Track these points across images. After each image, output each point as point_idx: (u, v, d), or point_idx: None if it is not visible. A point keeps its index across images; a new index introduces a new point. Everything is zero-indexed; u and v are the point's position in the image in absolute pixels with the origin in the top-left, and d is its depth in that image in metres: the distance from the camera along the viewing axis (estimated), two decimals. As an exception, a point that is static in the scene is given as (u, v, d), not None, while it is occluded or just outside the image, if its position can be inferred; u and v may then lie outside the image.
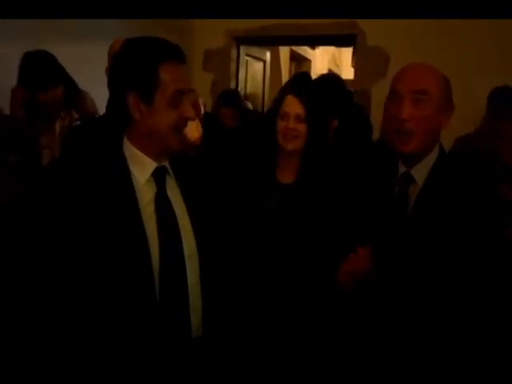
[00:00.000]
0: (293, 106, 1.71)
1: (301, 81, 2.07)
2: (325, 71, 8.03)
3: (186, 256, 1.25)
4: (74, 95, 2.33)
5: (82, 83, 2.43)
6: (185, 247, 1.25)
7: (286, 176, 1.77)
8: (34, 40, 2.33)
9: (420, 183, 1.38)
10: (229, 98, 3.56)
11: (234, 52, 4.61)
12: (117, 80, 1.23)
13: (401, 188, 1.40)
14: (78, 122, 2.27)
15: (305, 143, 1.73)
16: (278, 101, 1.77)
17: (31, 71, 2.16)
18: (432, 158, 1.38)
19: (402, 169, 1.40)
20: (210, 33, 4.45)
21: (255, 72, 5.04)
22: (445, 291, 1.28)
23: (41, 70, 2.15)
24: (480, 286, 1.27)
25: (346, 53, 7.45)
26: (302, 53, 6.72)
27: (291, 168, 1.76)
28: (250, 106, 4.35)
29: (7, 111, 2.33)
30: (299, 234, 1.69)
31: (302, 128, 1.70)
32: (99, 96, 2.16)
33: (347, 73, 7.06)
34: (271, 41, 4.79)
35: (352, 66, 4.52)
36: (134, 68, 1.19)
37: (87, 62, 2.75)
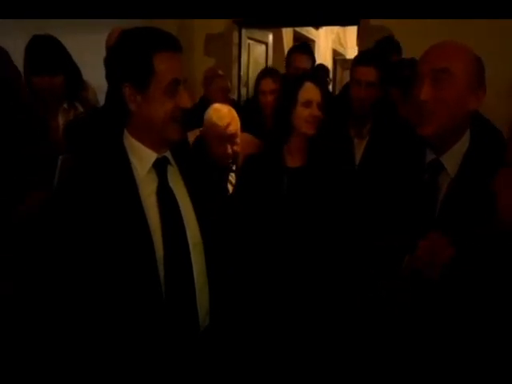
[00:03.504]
0: (315, 94, 1.77)
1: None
2: (329, 51, 7.93)
3: (190, 245, 1.25)
4: (78, 86, 2.27)
5: (88, 73, 2.38)
6: (189, 237, 1.26)
7: (295, 160, 1.81)
8: (39, 27, 2.27)
9: (452, 173, 1.30)
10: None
11: (235, 35, 4.55)
12: (112, 72, 1.23)
13: (430, 176, 1.32)
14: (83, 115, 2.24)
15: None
16: (294, 88, 1.79)
17: (29, 54, 2.12)
18: (463, 145, 1.30)
19: (431, 156, 1.33)
20: (210, 16, 4.39)
21: (258, 55, 4.97)
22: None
23: (39, 54, 2.11)
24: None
25: (351, 32, 7.32)
26: (306, 33, 6.61)
27: (300, 152, 1.81)
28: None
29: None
30: (310, 217, 1.71)
31: (321, 114, 1.78)
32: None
33: (352, 53, 6.96)
34: (273, 22, 4.71)
35: (357, 46, 4.44)
36: (128, 59, 1.19)
37: (93, 50, 2.72)
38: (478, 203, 1.22)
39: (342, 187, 1.72)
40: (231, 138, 2.10)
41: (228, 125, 2.08)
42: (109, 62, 1.25)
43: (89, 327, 1.18)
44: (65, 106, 2.24)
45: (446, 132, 1.28)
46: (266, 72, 2.89)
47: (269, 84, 2.68)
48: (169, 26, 3.58)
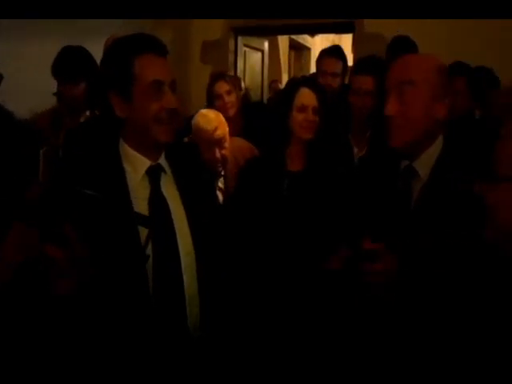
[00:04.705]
0: (310, 99, 1.80)
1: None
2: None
3: (181, 254, 1.23)
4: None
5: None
6: (180, 245, 1.24)
7: (295, 164, 1.83)
8: (66, 38, 2.33)
9: (424, 178, 1.31)
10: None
11: (231, 43, 4.57)
12: (98, 81, 1.23)
13: (403, 182, 1.34)
14: None
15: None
16: (290, 93, 1.83)
17: (55, 63, 2.20)
18: (435, 150, 1.31)
19: (405, 162, 1.35)
20: (207, 24, 4.41)
21: (254, 62, 5.00)
22: (447, 290, 1.22)
23: (63, 63, 2.18)
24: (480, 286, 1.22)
25: (347, 39, 7.36)
26: (301, 41, 6.66)
27: (300, 156, 1.83)
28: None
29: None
30: (310, 220, 1.72)
31: (317, 119, 1.80)
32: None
33: (348, 59, 6.98)
34: (269, 30, 4.74)
35: (352, 53, 4.47)
36: (109, 66, 1.21)
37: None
38: (449, 206, 1.23)
39: (339, 191, 1.73)
40: (219, 142, 2.11)
41: (215, 129, 2.09)
42: (97, 72, 1.26)
43: (78, 338, 1.15)
44: (87, 113, 2.27)
45: (415, 142, 1.29)
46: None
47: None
48: (165, 33, 3.61)
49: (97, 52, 2.17)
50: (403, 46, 2.74)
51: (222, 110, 2.55)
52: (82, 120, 2.25)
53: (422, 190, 1.30)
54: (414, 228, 1.28)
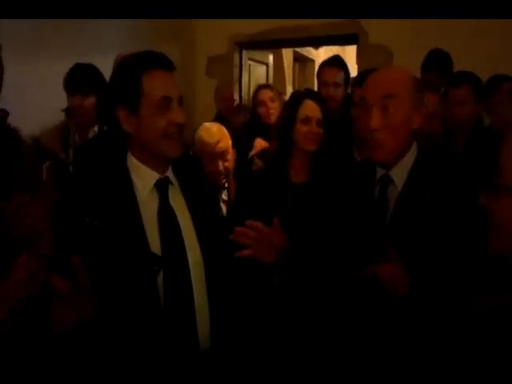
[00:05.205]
0: (314, 111, 1.83)
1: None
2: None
3: (191, 265, 1.25)
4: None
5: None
6: (190, 256, 1.25)
7: (299, 175, 1.85)
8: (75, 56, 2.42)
9: (399, 185, 1.35)
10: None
11: (236, 57, 4.63)
12: (107, 96, 1.26)
13: (380, 190, 1.38)
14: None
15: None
16: (294, 105, 1.86)
17: (67, 76, 2.26)
18: (410, 158, 1.36)
19: (381, 172, 1.39)
20: (212, 39, 4.47)
21: (258, 76, 5.04)
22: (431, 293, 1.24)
23: (74, 75, 2.24)
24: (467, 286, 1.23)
25: (351, 51, 7.40)
26: (306, 53, 6.70)
27: (303, 168, 1.85)
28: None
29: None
30: (311, 231, 1.69)
31: (321, 131, 1.83)
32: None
33: (352, 71, 7.01)
34: (274, 44, 4.79)
35: (356, 64, 4.49)
36: (118, 82, 1.23)
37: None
38: (424, 213, 1.27)
39: (338, 204, 1.72)
40: (222, 155, 2.14)
41: (218, 142, 2.12)
42: (106, 87, 1.29)
43: (88, 349, 1.15)
44: (95, 129, 2.30)
45: (396, 153, 1.34)
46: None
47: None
48: (171, 49, 3.65)
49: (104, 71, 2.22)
50: (439, 58, 2.81)
51: (264, 116, 2.64)
52: (90, 135, 2.28)
53: (398, 198, 1.34)
54: (392, 236, 1.30)
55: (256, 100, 2.92)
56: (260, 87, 3.06)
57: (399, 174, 1.35)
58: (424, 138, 1.46)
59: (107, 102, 1.27)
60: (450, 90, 2.39)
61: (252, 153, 2.51)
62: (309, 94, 1.92)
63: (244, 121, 3.35)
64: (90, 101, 2.23)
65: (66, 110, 2.27)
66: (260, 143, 2.41)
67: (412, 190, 1.33)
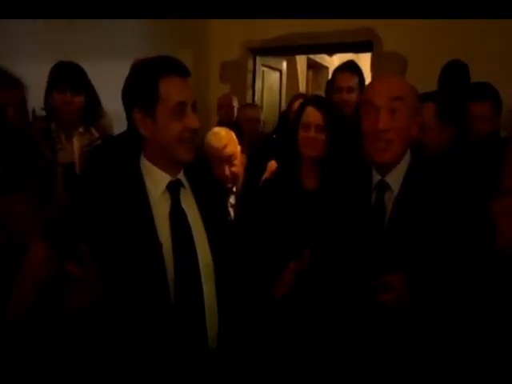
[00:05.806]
0: (313, 117, 1.82)
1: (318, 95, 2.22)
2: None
3: (201, 267, 1.27)
4: (95, 112, 2.33)
5: (107, 101, 2.42)
6: (200, 258, 1.27)
7: (311, 182, 1.85)
8: (60, 57, 2.35)
9: (395, 190, 1.39)
10: None
11: (250, 63, 4.65)
12: (124, 99, 1.28)
13: (377, 196, 1.41)
14: (99, 142, 2.28)
15: (324, 151, 1.82)
16: (299, 112, 1.88)
17: (55, 72, 2.22)
18: (404, 164, 1.40)
19: (377, 177, 1.42)
20: (226, 44, 4.50)
21: (272, 82, 5.05)
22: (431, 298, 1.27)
23: (64, 72, 2.20)
24: (464, 291, 1.25)
25: (365, 58, 7.40)
26: (319, 60, 6.70)
27: (313, 175, 1.85)
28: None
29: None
30: (321, 238, 1.69)
31: (321, 137, 1.81)
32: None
33: (366, 79, 7.00)
34: (287, 51, 4.80)
35: (370, 72, 4.49)
36: (136, 85, 1.25)
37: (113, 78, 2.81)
38: (422, 216, 1.31)
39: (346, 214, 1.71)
40: (229, 160, 2.14)
41: (225, 146, 2.13)
42: (122, 90, 1.30)
43: (98, 347, 1.18)
44: (80, 129, 2.28)
45: (400, 156, 1.39)
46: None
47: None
48: (185, 54, 3.68)
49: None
50: (457, 69, 2.80)
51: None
52: (75, 136, 2.23)
53: (395, 203, 1.38)
54: (390, 241, 1.34)
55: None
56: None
57: (395, 179, 1.40)
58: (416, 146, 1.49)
59: (124, 104, 1.28)
60: (472, 105, 2.32)
61: (264, 176, 2.48)
62: (312, 100, 1.92)
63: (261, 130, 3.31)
64: (80, 99, 2.20)
65: (48, 109, 2.20)
66: (272, 166, 2.37)
67: (408, 194, 1.37)
